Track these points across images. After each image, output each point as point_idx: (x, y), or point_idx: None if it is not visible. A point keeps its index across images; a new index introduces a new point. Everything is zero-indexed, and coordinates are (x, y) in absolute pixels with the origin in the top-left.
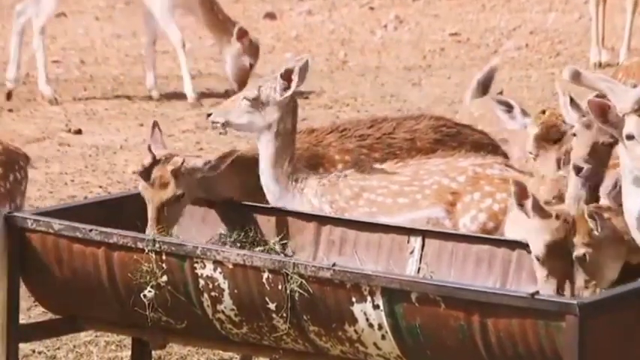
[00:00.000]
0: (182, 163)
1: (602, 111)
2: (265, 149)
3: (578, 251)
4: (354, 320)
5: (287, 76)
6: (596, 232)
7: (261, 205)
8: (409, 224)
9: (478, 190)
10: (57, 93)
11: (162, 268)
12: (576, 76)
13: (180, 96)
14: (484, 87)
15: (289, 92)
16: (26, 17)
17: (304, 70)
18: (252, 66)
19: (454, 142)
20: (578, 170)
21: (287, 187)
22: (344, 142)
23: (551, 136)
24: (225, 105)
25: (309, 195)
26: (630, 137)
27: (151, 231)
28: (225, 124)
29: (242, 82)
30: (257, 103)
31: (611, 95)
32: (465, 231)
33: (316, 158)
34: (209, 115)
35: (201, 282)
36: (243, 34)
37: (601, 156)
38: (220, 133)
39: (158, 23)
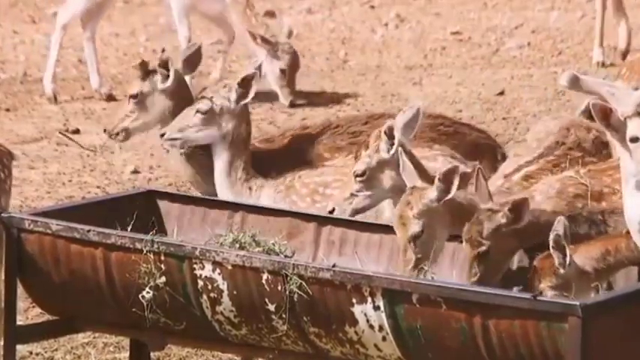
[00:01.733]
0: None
1: (605, 114)
2: (219, 159)
3: (547, 296)
4: (354, 321)
5: (245, 84)
6: (561, 270)
7: (261, 205)
8: None
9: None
10: (56, 91)
11: (161, 268)
12: (575, 82)
13: None
14: None
15: (247, 100)
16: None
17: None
18: (283, 71)
19: (452, 140)
20: None
21: (241, 194)
22: (335, 139)
23: None
24: (178, 121)
25: (267, 203)
26: (634, 140)
27: None
28: (184, 141)
29: (286, 90)
30: (212, 115)
31: (613, 99)
32: None
33: (305, 155)
34: (162, 135)
35: (200, 283)
36: (252, 37)
37: None
38: (181, 153)
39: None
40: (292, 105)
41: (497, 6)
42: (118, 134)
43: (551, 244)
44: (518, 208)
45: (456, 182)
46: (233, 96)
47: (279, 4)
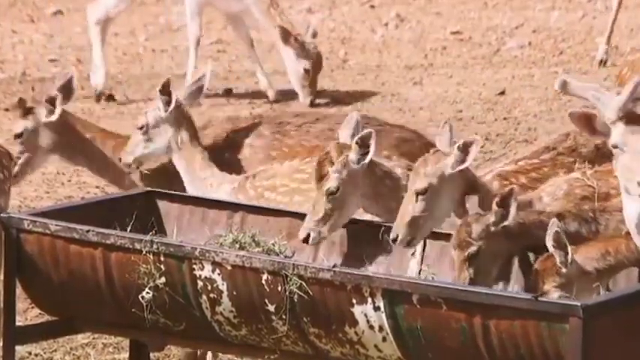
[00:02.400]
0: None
1: (587, 121)
2: (179, 166)
3: (552, 297)
4: (354, 322)
5: (166, 91)
6: (563, 269)
7: (261, 205)
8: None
9: None
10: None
11: (161, 269)
12: (564, 86)
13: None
14: None
15: (171, 107)
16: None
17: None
18: (307, 71)
19: (377, 137)
20: None
21: (206, 192)
22: (260, 129)
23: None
24: (129, 143)
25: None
26: (614, 146)
27: None
28: (136, 162)
29: (307, 90)
30: (149, 128)
31: (599, 104)
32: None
33: (227, 145)
34: (119, 160)
35: (200, 283)
36: (286, 35)
37: None
38: (142, 173)
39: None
40: (312, 105)
41: (498, 5)
42: (16, 177)
43: (551, 242)
44: (505, 201)
45: (514, 207)
46: (160, 104)
47: (279, 3)
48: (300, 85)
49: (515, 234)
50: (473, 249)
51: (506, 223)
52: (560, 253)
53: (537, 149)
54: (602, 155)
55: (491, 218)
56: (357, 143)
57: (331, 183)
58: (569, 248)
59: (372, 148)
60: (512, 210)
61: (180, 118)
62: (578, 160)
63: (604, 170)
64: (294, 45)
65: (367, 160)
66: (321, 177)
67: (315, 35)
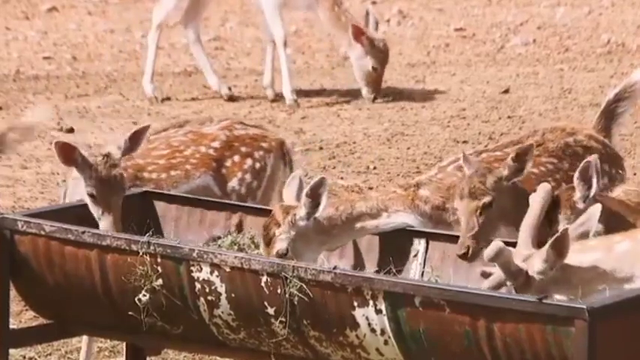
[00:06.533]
0: None
1: None
2: None
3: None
4: (355, 325)
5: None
6: (579, 205)
7: (260, 206)
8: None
9: (236, 153)
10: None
11: (158, 271)
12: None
13: (176, 94)
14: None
15: (134, 151)
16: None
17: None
18: (375, 69)
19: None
20: None
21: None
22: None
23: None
24: None
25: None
26: None
27: None
28: None
29: (371, 87)
30: None
31: None
32: (235, 196)
33: None
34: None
35: (198, 285)
36: (358, 32)
37: None
38: None
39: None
40: (374, 102)
41: (502, 2)
42: None
43: (576, 174)
44: (522, 156)
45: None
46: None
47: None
48: (365, 82)
49: (521, 195)
50: (487, 199)
51: (520, 177)
52: (582, 187)
53: (503, 142)
54: (573, 153)
55: (504, 172)
56: (307, 195)
57: (279, 245)
58: (595, 184)
59: (323, 199)
60: (528, 165)
61: None
62: (544, 154)
63: None
64: (365, 42)
65: (319, 212)
66: (269, 241)
67: (377, 25)
